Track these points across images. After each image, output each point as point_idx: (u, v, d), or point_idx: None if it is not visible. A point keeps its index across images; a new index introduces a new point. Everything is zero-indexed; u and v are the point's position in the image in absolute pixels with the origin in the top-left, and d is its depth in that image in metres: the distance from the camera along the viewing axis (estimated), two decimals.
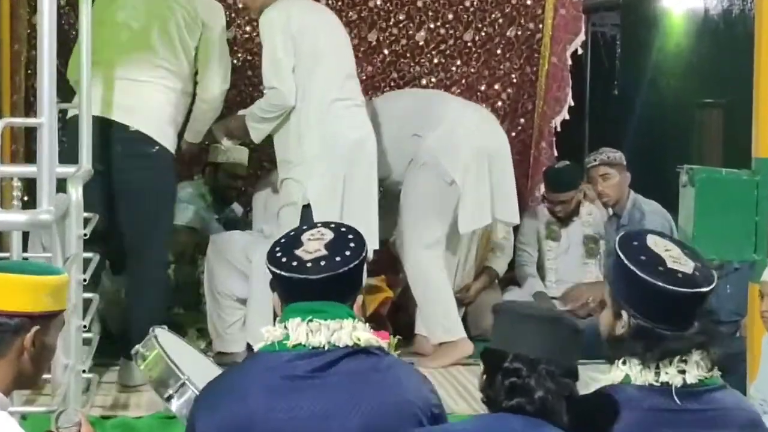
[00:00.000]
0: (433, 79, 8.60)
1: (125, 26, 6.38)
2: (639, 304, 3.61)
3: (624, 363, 3.66)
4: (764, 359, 5.92)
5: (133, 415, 5.87)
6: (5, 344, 3.38)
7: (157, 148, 6.45)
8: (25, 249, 5.12)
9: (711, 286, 3.58)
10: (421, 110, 7.58)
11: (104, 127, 6.27)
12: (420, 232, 7.25)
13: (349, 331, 3.72)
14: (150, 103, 6.43)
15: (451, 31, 8.43)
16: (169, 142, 6.53)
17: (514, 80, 8.94)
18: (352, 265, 3.77)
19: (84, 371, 5.35)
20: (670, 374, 3.57)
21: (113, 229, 6.43)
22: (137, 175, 6.39)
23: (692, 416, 3.59)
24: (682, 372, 3.57)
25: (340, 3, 8.10)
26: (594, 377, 3.75)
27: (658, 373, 3.58)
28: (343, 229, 3.92)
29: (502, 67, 8.82)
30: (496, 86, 8.85)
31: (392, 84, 8.55)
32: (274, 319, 3.90)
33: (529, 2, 8.47)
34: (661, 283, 3.49)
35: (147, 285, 6.60)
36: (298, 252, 3.78)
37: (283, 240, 3.90)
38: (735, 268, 7.61)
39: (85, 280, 5.18)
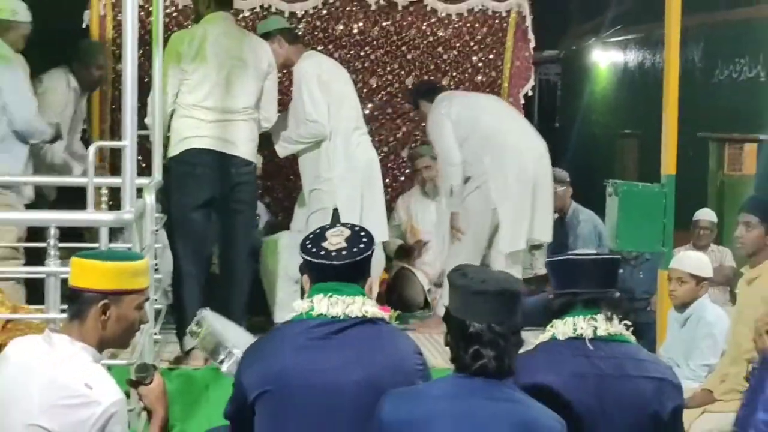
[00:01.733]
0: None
1: (219, 75, 6.27)
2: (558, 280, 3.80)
3: (551, 326, 3.75)
4: (669, 327, 5.98)
5: (192, 367, 5.89)
6: (83, 312, 3.40)
7: (252, 165, 6.44)
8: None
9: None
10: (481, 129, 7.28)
11: (219, 157, 6.21)
12: (459, 257, 6.86)
13: (360, 305, 3.72)
14: (245, 134, 6.35)
15: (432, 77, 8.40)
16: (254, 159, 6.52)
17: None
18: (364, 256, 3.79)
19: (155, 333, 5.37)
20: (584, 328, 3.63)
21: (228, 229, 6.42)
22: (243, 187, 6.36)
23: (603, 360, 3.61)
24: (593, 327, 3.63)
25: (348, 56, 8.09)
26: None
27: (575, 329, 3.65)
28: (357, 229, 3.92)
29: None
30: None
31: (387, 117, 8.49)
32: (302, 296, 3.91)
33: (491, 56, 8.45)
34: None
35: (246, 267, 6.55)
36: (324, 244, 3.80)
37: (311, 235, 3.90)
38: (647, 259, 7.65)
39: (156, 265, 5.20)
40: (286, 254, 6.96)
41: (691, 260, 5.99)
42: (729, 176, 13.33)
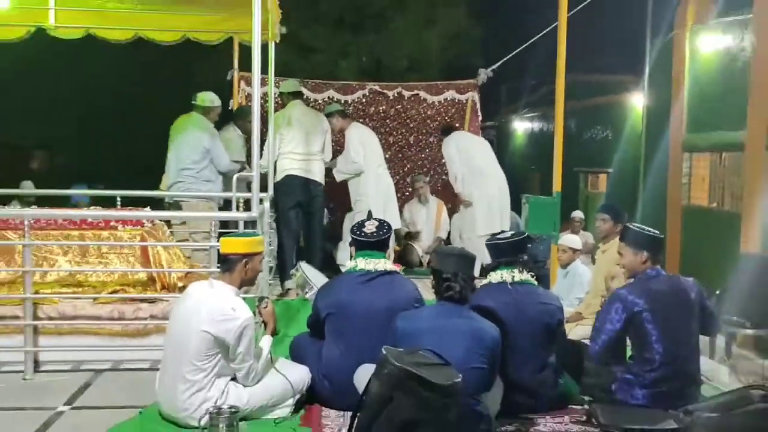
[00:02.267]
0: (422, 155, 8.38)
1: (301, 134, 6.27)
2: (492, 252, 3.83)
3: (488, 275, 3.81)
4: (558, 278, 6.01)
5: (289, 299, 5.86)
6: (231, 267, 3.41)
7: (322, 185, 6.37)
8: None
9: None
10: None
11: (303, 180, 6.21)
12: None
13: (383, 264, 3.76)
14: (317, 167, 6.33)
15: (423, 136, 8.36)
16: (323, 181, 6.41)
17: None
18: (386, 236, 3.84)
19: (269, 280, 5.42)
20: (505, 276, 3.72)
21: (309, 221, 6.38)
22: (317, 198, 6.33)
23: (517, 294, 3.68)
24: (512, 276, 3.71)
25: (376, 125, 8.00)
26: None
27: (501, 277, 3.73)
28: (382, 221, 3.94)
29: None
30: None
31: (398, 159, 8.25)
32: (351, 258, 3.95)
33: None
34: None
35: (319, 242, 6.54)
36: (364, 230, 3.84)
37: (356, 225, 3.91)
38: (544, 239, 7.62)
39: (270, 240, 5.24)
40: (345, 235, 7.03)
41: (570, 239, 6.04)
42: (591, 193, 13.44)
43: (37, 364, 4.14)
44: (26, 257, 4.17)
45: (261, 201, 4.55)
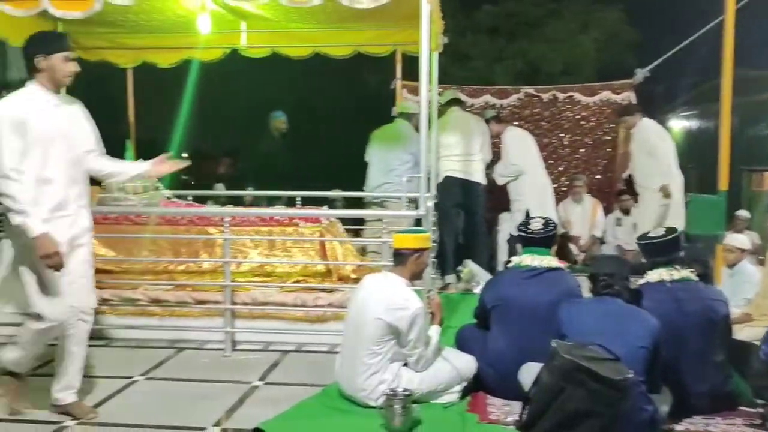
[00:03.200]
0: (576, 155, 8.08)
1: (460, 137, 6.29)
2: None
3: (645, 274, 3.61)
4: (723, 278, 5.55)
5: (448, 293, 5.82)
6: (403, 261, 3.49)
7: (482, 186, 6.35)
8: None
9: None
10: None
11: (464, 181, 6.23)
12: None
13: (549, 261, 3.69)
14: (478, 167, 6.31)
15: (577, 138, 8.07)
16: (484, 182, 6.41)
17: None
18: (552, 233, 3.76)
19: (432, 274, 5.45)
20: (664, 275, 3.51)
21: (470, 220, 6.37)
22: (477, 198, 6.31)
23: (677, 290, 3.46)
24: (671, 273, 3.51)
25: (531, 128, 7.80)
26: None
27: (660, 276, 3.52)
28: (548, 219, 3.87)
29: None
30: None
31: (553, 160, 7.89)
32: (510, 255, 3.91)
33: (611, 125, 7.97)
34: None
35: (481, 240, 6.47)
36: (530, 227, 3.79)
37: (522, 223, 3.89)
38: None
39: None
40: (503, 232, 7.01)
41: (737, 239, 5.56)
42: (755, 191, 12.28)
43: (234, 343, 4.46)
44: (226, 250, 4.52)
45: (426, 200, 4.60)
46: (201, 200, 6.84)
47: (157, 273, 4.90)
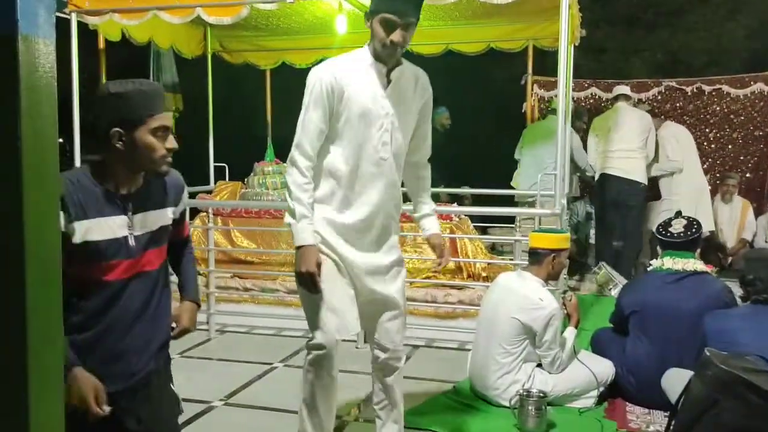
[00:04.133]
0: (723, 152, 7.58)
1: (620, 134, 6.03)
2: None
3: None
4: None
5: (582, 293, 5.62)
6: (540, 260, 3.39)
7: (642, 185, 6.07)
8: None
9: None
10: None
11: (623, 179, 5.99)
12: None
13: (693, 264, 3.50)
14: (639, 165, 6.05)
15: (725, 134, 7.56)
16: (644, 180, 6.11)
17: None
18: (695, 236, 3.56)
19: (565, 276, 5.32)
20: None
21: (625, 219, 6.04)
22: (638, 195, 6.05)
23: None
24: None
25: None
26: None
27: None
28: (692, 219, 3.67)
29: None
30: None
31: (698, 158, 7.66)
32: (652, 257, 3.73)
33: (766, 119, 7.44)
34: None
35: (633, 241, 6.16)
36: (670, 229, 3.61)
37: (662, 223, 3.71)
38: None
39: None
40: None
41: None
42: None
43: (366, 336, 4.57)
44: None
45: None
46: None
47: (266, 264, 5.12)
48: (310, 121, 2.36)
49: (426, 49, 6.15)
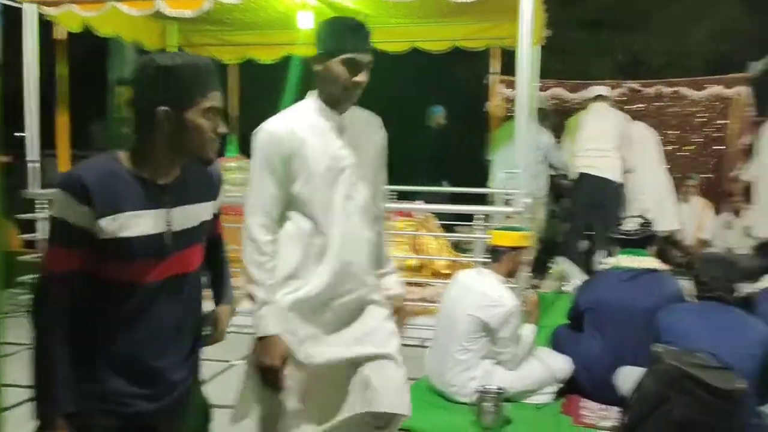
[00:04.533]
0: (682, 153, 7.74)
1: (594, 130, 6.03)
2: None
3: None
4: None
5: (543, 291, 5.71)
6: (502, 257, 3.40)
7: (616, 184, 6.00)
8: None
9: None
10: None
11: (597, 178, 5.95)
12: None
13: (648, 262, 3.55)
14: (614, 164, 5.98)
15: (684, 135, 7.70)
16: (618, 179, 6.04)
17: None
18: (648, 234, 3.63)
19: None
20: None
21: (602, 216, 5.90)
22: (613, 195, 5.98)
23: None
24: None
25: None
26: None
27: None
28: (645, 219, 3.74)
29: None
30: None
31: None
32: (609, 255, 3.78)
33: (720, 120, 7.59)
34: None
35: (606, 240, 5.94)
36: (625, 227, 3.68)
37: (618, 222, 3.78)
38: None
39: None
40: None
41: None
42: None
43: None
44: None
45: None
46: None
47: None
48: (263, 187, 2.05)
49: (391, 47, 6.16)
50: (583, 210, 6.04)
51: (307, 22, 4.97)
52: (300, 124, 2.07)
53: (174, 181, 1.62)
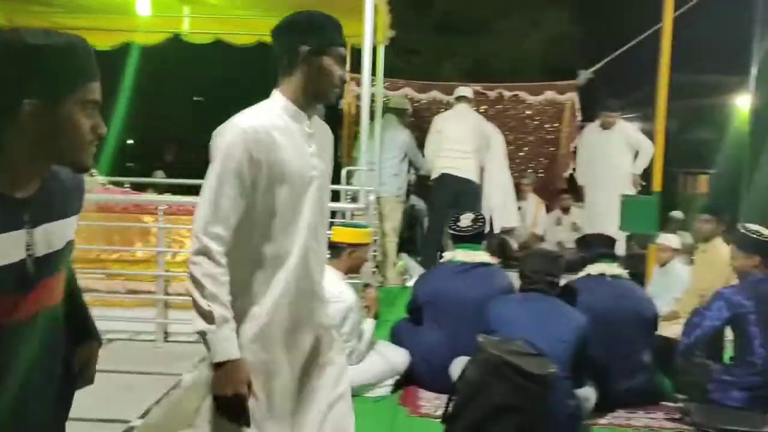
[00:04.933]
0: (520, 153, 8.26)
1: (456, 131, 6.21)
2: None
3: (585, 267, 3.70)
4: (654, 278, 5.73)
5: (389, 286, 5.73)
6: (340, 253, 3.43)
7: (475, 184, 6.22)
8: None
9: None
10: None
11: (456, 178, 6.12)
12: None
13: (480, 256, 3.74)
14: (473, 165, 6.19)
15: (522, 137, 8.24)
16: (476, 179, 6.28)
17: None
18: (481, 229, 3.82)
19: (372, 269, 5.45)
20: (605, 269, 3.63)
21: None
22: (471, 195, 6.11)
23: (614, 285, 3.59)
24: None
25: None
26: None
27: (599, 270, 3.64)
28: (478, 215, 3.92)
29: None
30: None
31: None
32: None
33: (555, 124, 8.13)
34: None
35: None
36: (459, 223, 3.84)
37: (453, 218, 3.92)
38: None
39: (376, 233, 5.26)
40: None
41: (669, 239, 5.73)
42: (691, 193, 12.86)
43: (166, 334, 4.37)
44: (160, 239, 4.42)
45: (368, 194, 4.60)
46: (140, 188, 6.65)
47: (89, 261, 4.75)
48: (224, 195, 1.75)
49: (238, 39, 6.01)
50: (443, 209, 6.21)
51: (144, 8, 4.73)
52: (277, 123, 1.82)
53: (35, 193, 1.27)
